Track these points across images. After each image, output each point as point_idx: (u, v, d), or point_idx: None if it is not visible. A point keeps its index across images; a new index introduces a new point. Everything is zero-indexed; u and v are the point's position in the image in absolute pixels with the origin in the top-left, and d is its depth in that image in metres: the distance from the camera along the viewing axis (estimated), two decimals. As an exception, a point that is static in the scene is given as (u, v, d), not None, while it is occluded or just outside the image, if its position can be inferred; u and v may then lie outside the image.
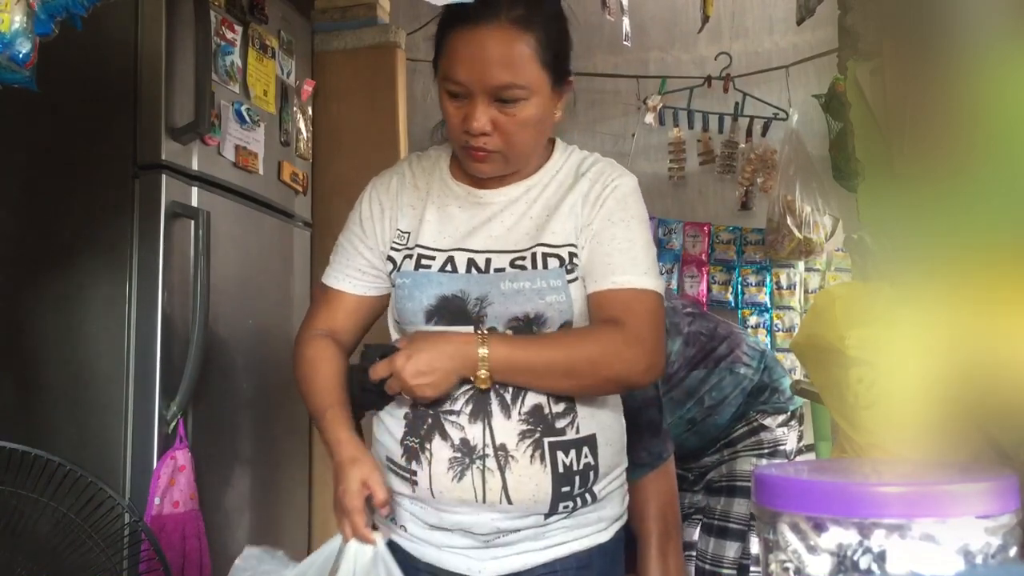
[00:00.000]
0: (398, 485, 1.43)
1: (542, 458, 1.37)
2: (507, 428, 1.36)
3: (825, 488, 0.71)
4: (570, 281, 1.40)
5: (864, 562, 0.67)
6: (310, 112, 3.00)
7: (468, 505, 1.38)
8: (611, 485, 1.46)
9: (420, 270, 1.43)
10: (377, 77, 3.12)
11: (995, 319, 0.81)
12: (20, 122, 2.31)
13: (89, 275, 2.31)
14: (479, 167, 1.42)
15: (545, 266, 1.40)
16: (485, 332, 1.36)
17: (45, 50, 1.57)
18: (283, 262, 2.85)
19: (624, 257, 1.40)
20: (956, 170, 0.92)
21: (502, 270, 1.40)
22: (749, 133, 3.79)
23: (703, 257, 3.78)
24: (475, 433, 1.37)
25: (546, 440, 1.37)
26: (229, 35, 2.54)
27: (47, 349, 2.33)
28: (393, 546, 1.43)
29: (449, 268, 1.42)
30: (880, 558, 0.67)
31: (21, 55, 1.50)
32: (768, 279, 3.77)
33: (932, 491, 0.68)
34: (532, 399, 1.38)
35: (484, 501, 1.37)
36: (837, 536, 0.69)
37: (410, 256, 1.45)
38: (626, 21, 2.96)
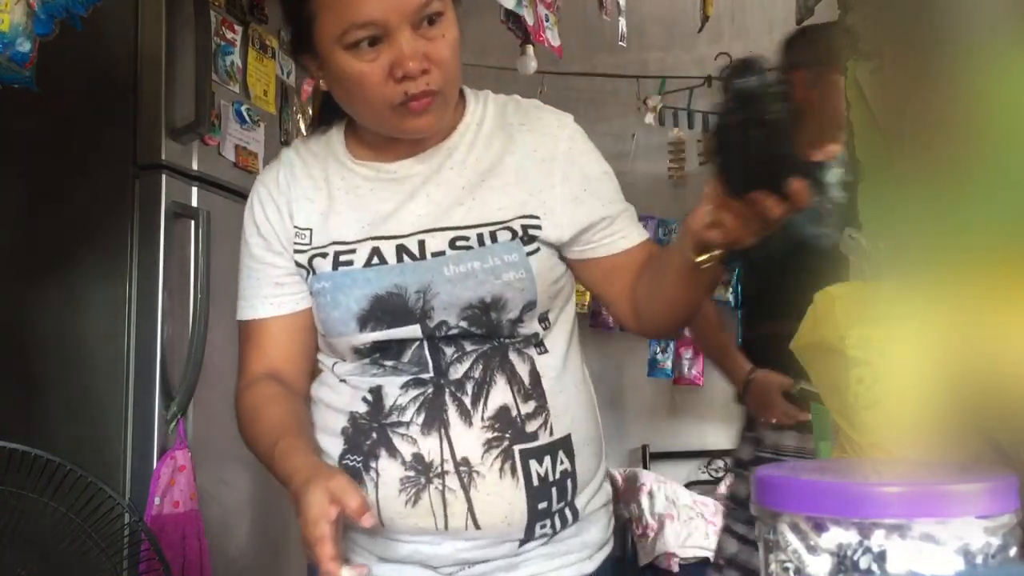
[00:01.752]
0: None
1: (513, 470, 1.14)
2: (469, 438, 1.14)
3: (825, 488, 0.71)
4: (530, 254, 1.17)
5: (864, 562, 0.67)
6: (310, 112, 3.00)
7: (426, 533, 1.15)
8: (595, 500, 1.25)
9: (340, 269, 1.18)
10: (377, 77, 3.11)
11: (996, 319, 0.81)
12: (20, 122, 2.31)
13: (89, 275, 2.31)
14: (422, 122, 1.15)
15: (495, 240, 1.16)
16: None
17: (45, 50, 1.57)
18: (283, 262, 2.86)
19: (627, 211, 1.26)
20: (957, 170, 0.92)
21: (441, 253, 1.16)
22: (749, 133, 3.79)
23: (703, 257, 3.79)
24: (431, 446, 1.14)
25: (516, 448, 1.15)
26: (229, 35, 2.54)
27: (47, 349, 2.33)
28: None
29: (376, 261, 1.17)
30: (880, 558, 0.67)
31: (21, 55, 1.51)
32: (768, 279, 3.76)
33: (932, 491, 0.68)
34: (497, 398, 1.16)
35: (446, 528, 1.14)
36: (837, 536, 0.69)
37: (323, 255, 1.19)
38: (622, 21, 2.96)
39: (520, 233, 1.17)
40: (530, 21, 2.66)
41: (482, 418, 1.15)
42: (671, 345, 3.71)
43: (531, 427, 1.17)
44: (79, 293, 2.31)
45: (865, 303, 0.98)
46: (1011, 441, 0.83)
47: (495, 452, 1.15)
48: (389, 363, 1.18)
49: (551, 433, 1.18)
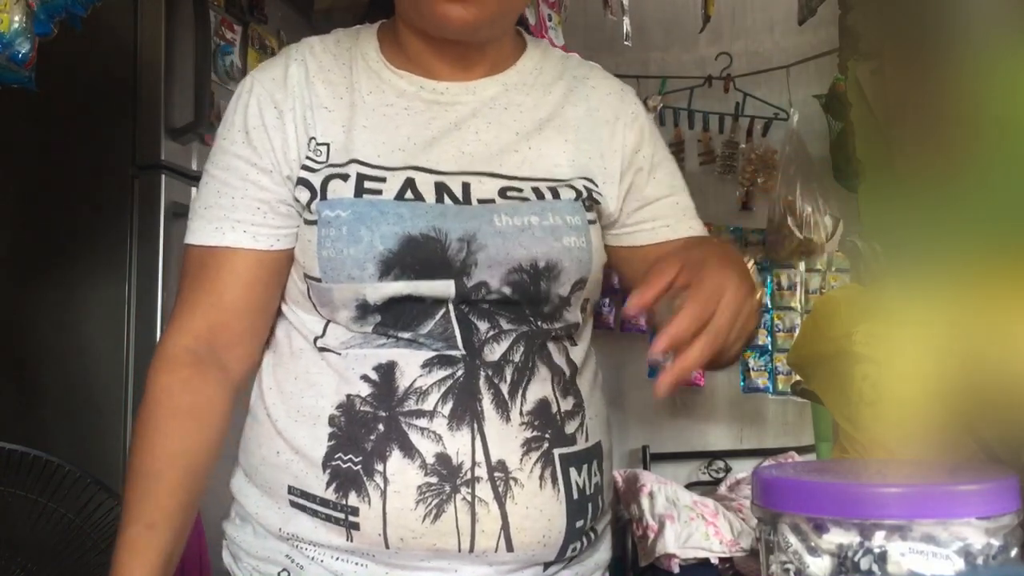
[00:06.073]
0: (321, 532, 0.97)
1: (554, 479, 0.95)
2: (506, 436, 0.93)
3: (826, 489, 0.70)
4: (591, 222, 1.00)
5: (865, 563, 0.67)
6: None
7: (444, 556, 0.93)
8: (605, 519, 1.07)
9: (366, 197, 0.94)
10: (377, 77, 3.10)
11: (996, 320, 0.81)
12: (20, 122, 2.31)
13: (89, 275, 2.31)
14: (456, 11, 0.94)
15: (556, 196, 0.98)
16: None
17: (45, 50, 1.57)
18: (283, 262, 2.85)
19: (689, 199, 1.17)
20: (958, 170, 0.92)
21: (490, 201, 0.96)
22: (749, 133, 3.79)
23: (703, 257, 3.78)
24: (460, 444, 0.92)
25: (556, 452, 0.96)
26: (229, 35, 2.54)
27: (46, 349, 2.32)
28: None
29: (411, 195, 0.95)
30: (881, 559, 0.67)
31: (20, 55, 1.50)
32: (769, 280, 3.77)
33: (933, 492, 0.68)
34: (537, 390, 0.96)
35: (471, 550, 0.92)
36: (838, 537, 0.69)
37: (342, 176, 0.96)
38: (627, 21, 2.96)
39: (584, 195, 1.01)
40: (532, 20, 2.66)
41: (521, 412, 0.94)
42: (671, 345, 3.70)
43: (570, 428, 0.98)
44: (79, 293, 2.31)
45: (870, 303, 0.97)
46: (1008, 445, 0.83)
47: (535, 455, 0.95)
48: (405, 335, 0.95)
49: (587, 438, 1.01)
